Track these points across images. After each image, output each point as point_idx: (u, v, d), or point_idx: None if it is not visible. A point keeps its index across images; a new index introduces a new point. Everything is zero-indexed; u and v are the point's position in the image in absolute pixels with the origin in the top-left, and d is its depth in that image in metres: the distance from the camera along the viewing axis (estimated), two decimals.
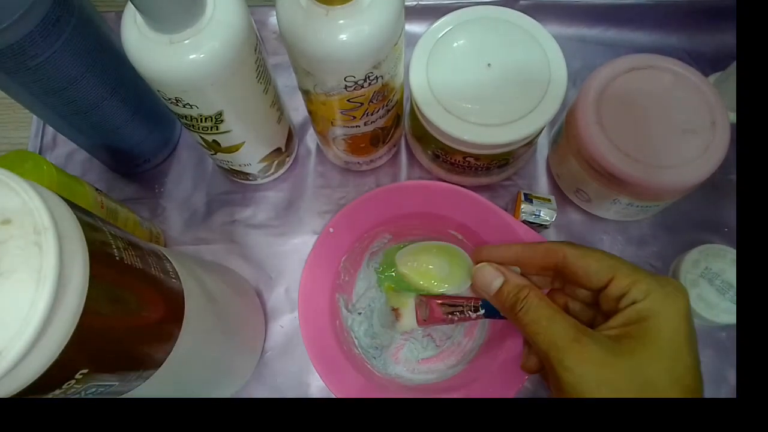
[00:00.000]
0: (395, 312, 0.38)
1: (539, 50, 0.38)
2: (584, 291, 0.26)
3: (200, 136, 0.38)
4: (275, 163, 0.45)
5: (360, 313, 0.42)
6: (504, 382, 0.35)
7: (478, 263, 0.29)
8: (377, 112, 0.37)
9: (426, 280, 0.30)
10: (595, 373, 0.21)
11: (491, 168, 0.42)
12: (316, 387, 0.42)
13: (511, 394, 0.35)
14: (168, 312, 0.27)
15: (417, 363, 0.41)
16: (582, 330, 0.23)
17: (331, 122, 0.38)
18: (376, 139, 0.42)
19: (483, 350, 0.39)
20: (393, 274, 0.42)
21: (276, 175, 0.47)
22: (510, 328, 0.39)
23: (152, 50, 0.30)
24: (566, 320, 0.23)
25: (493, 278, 0.27)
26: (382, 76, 0.33)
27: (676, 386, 0.21)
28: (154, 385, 0.26)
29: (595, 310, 0.26)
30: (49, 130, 0.50)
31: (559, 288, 0.28)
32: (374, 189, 0.39)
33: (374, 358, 0.40)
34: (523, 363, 0.29)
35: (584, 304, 0.27)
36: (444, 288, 0.30)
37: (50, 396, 0.20)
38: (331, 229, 0.38)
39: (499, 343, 0.38)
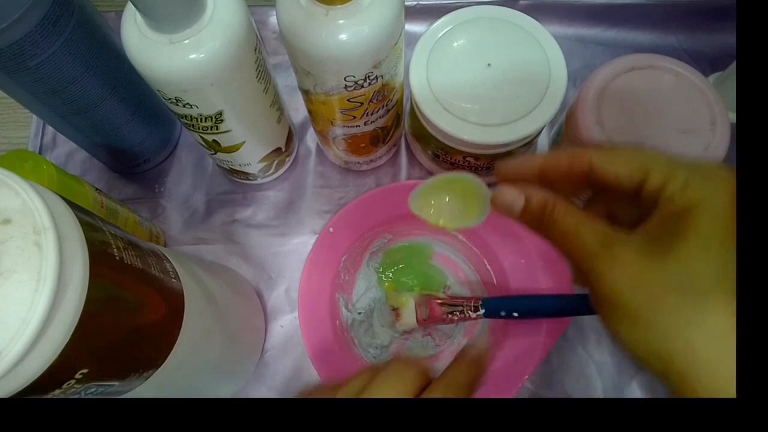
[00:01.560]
0: (395, 312, 0.38)
1: (539, 50, 0.38)
2: (624, 192, 0.23)
3: (200, 136, 0.38)
4: (275, 162, 0.45)
5: (360, 313, 0.42)
6: (504, 382, 0.36)
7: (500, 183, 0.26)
8: (377, 111, 0.37)
9: (443, 220, 0.28)
10: (628, 277, 0.20)
11: (491, 168, 0.42)
12: None
13: (511, 393, 0.35)
14: (168, 312, 0.27)
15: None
16: (613, 234, 0.21)
17: (331, 122, 0.38)
18: (376, 139, 0.42)
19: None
20: (393, 271, 0.43)
21: (276, 175, 0.47)
22: (509, 328, 0.39)
23: (152, 50, 0.30)
24: (595, 227, 0.21)
25: (514, 199, 0.24)
26: (382, 76, 0.33)
27: (722, 284, 0.19)
28: (154, 385, 0.26)
29: (640, 210, 0.23)
30: (49, 129, 0.50)
31: (598, 193, 0.26)
32: (374, 189, 0.39)
33: (374, 357, 0.40)
34: (573, 278, 0.26)
35: (629, 205, 0.24)
36: (463, 224, 0.28)
37: (50, 396, 0.20)
38: (331, 229, 0.38)
39: (500, 343, 0.38)
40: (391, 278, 0.43)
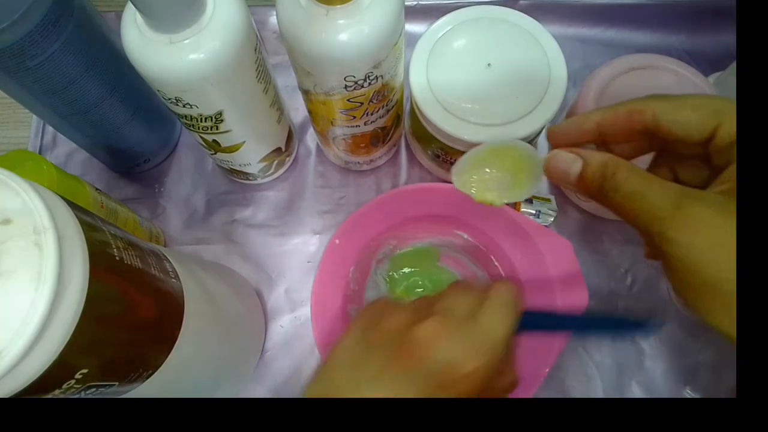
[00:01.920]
0: None
1: (539, 50, 0.38)
2: (691, 148, 0.21)
3: (200, 136, 0.38)
4: (275, 162, 0.45)
5: None
6: (522, 380, 0.36)
7: (554, 149, 0.24)
8: (377, 111, 0.37)
9: (489, 194, 0.26)
10: (707, 238, 0.18)
11: None
12: None
13: (530, 392, 0.35)
14: (168, 312, 0.27)
15: None
16: (685, 193, 0.19)
17: (331, 122, 0.38)
18: (376, 139, 0.42)
19: None
20: (400, 273, 0.42)
21: (276, 175, 0.47)
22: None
23: (152, 50, 0.30)
24: (664, 186, 0.19)
25: (570, 164, 0.22)
26: (382, 76, 0.33)
27: None
28: (154, 385, 0.26)
29: (711, 170, 0.21)
30: (49, 129, 0.50)
31: (661, 154, 0.24)
32: (375, 197, 0.39)
33: None
34: (646, 252, 0.24)
35: (696, 166, 0.22)
36: (513, 196, 0.25)
37: (50, 396, 0.20)
38: (337, 241, 0.38)
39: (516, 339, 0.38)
40: (400, 284, 0.43)
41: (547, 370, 0.35)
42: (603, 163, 0.21)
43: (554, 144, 0.24)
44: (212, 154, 0.41)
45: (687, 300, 0.19)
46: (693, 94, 0.21)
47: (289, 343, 0.43)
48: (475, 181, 0.26)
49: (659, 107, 0.21)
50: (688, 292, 0.19)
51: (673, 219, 0.18)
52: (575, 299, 0.37)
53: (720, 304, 0.18)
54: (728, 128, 0.19)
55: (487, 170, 0.26)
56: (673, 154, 0.23)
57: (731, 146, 0.19)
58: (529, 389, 0.35)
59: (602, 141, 0.23)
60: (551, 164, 0.23)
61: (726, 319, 0.18)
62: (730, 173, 0.19)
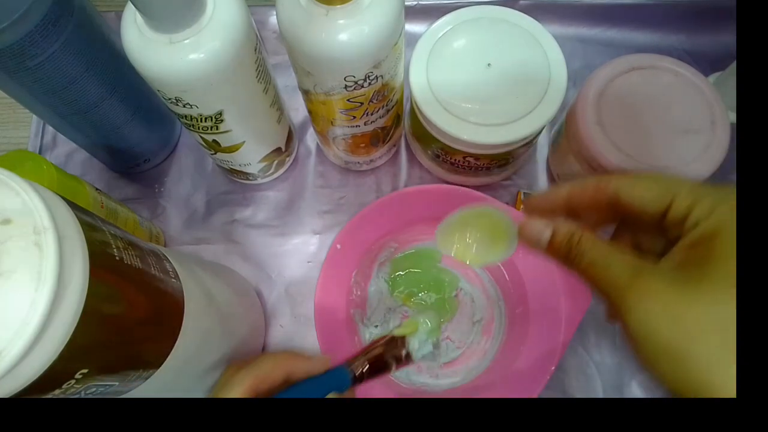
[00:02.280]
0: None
1: (539, 50, 0.38)
2: (650, 220, 0.23)
3: (200, 136, 0.38)
4: (275, 162, 0.45)
5: (377, 326, 0.42)
6: (530, 378, 0.36)
7: (528, 217, 0.26)
8: (377, 111, 0.37)
9: (470, 256, 0.28)
10: (660, 309, 0.19)
11: (491, 168, 0.42)
12: None
13: (538, 390, 0.35)
14: (168, 312, 0.27)
15: (440, 368, 0.41)
16: (641, 264, 0.20)
17: (331, 122, 0.38)
18: (376, 139, 0.42)
19: (504, 347, 0.39)
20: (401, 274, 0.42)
21: (276, 175, 0.47)
22: (529, 320, 0.39)
23: (152, 50, 0.30)
24: (623, 257, 0.21)
25: (541, 231, 0.24)
26: (382, 76, 0.33)
27: None
28: (154, 385, 0.26)
29: (667, 240, 0.23)
30: (49, 129, 0.50)
31: (624, 223, 0.26)
32: (375, 200, 0.39)
33: (397, 368, 0.40)
34: (606, 314, 0.26)
35: (655, 236, 0.24)
36: (490, 259, 0.28)
37: (50, 396, 0.20)
38: (338, 245, 0.38)
39: (520, 337, 0.38)
40: (401, 286, 0.43)
41: (553, 368, 0.35)
42: (570, 232, 0.23)
43: (528, 212, 0.26)
44: (212, 154, 0.41)
45: (644, 363, 0.21)
46: (650, 172, 0.23)
47: (289, 343, 0.43)
48: (457, 241, 0.28)
49: (620, 183, 0.23)
50: (641, 354, 0.20)
51: (630, 289, 0.20)
52: (579, 299, 0.37)
53: (676, 369, 0.19)
54: (680, 205, 0.21)
55: (468, 233, 0.28)
56: (634, 224, 0.25)
57: (682, 222, 0.21)
58: (533, 390, 0.35)
59: (572, 211, 0.25)
60: (525, 231, 0.25)
61: (681, 382, 0.19)
62: (681, 246, 0.21)
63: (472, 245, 0.28)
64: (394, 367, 0.31)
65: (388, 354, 0.31)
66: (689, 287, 0.19)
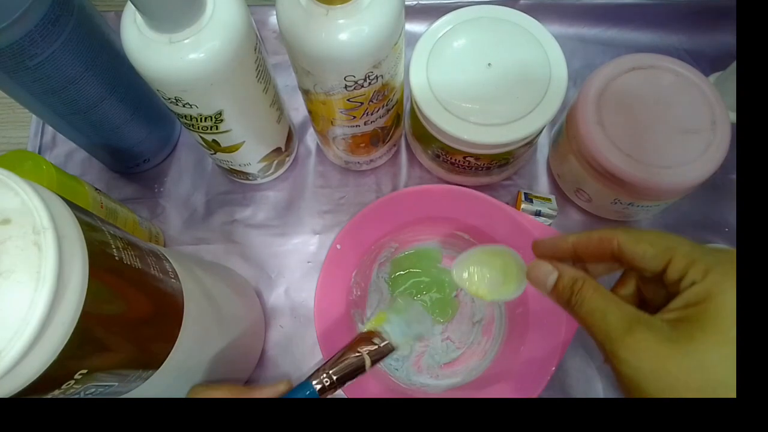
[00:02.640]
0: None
1: (539, 50, 0.38)
2: (651, 273, 0.24)
3: (200, 136, 0.38)
4: (275, 162, 0.45)
5: None
6: (530, 378, 0.36)
7: (536, 258, 0.28)
8: (377, 111, 0.37)
9: (482, 290, 0.30)
10: (650, 363, 0.20)
11: (491, 168, 0.42)
12: None
13: (538, 390, 0.35)
14: (167, 312, 0.27)
15: (440, 368, 0.41)
16: (637, 318, 0.22)
17: (331, 122, 0.38)
18: (376, 139, 0.42)
19: (504, 347, 0.39)
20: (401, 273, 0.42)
21: (276, 175, 0.47)
22: (529, 321, 0.39)
23: (152, 50, 0.30)
24: (621, 309, 0.22)
25: (547, 274, 0.26)
26: (382, 76, 0.33)
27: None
28: (154, 386, 0.26)
29: (667, 291, 0.24)
30: (49, 129, 0.50)
31: (628, 272, 0.27)
32: (375, 200, 0.39)
33: (396, 369, 0.40)
34: (603, 359, 0.27)
35: (657, 286, 0.25)
36: (501, 296, 0.30)
37: (50, 396, 0.20)
38: (338, 246, 0.38)
39: (520, 337, 0.38)
40: (402, 287, 0.43)
41: (553, 368, 0.35)
42: (573, 278, 0.25)
43: (537, 255, 0.28)
44: (212, 153, 0.41)
45: None
46: (653, 230, 0.25)
47: (289, 343, 0.43)
48: (472, 276, 0.30)
49: (623, 238, 0.24)
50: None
51: (624, 341, 0.21)
52: None
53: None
54: (677, 264, 0.22)
55: (482, 270, 0.30)
56: (637, 274, 0.26)
57: (679, 281, 0.22)
58: (533, 390, 0.35)
59: (578, 258, 0.26)
60: (532, 272, 0.26)
61: None
62: (676, 305, 0.22)
63: (484, 281, 0.30)
64: (369, 364, 0.31)
65: (363, 351, 0.32)
66: (679, 347, 0.20)
